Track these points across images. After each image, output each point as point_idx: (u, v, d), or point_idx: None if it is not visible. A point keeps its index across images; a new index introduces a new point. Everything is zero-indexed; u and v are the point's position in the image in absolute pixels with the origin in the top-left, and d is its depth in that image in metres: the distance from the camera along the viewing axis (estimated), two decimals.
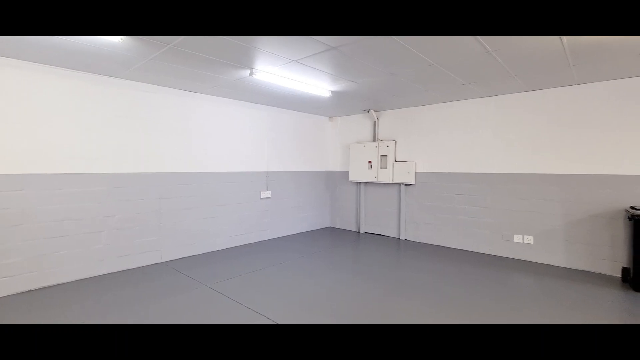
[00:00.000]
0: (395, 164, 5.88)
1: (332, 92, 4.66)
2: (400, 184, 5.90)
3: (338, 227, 7.04)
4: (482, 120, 5.01)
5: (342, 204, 6.94)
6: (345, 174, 6.80)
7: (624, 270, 3.89)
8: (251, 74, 3.67)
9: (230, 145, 5.23)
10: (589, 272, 4.19)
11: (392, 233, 6.13)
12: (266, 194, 5.75)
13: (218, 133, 5.07)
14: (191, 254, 4.83)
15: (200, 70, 3.70)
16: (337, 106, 5.76)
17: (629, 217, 3.67)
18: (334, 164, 7.07)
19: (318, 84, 4.30)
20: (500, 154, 4.87)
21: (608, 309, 3.14)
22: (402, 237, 5.96)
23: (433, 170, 5.56)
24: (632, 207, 3.78)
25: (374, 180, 6.10)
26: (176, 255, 4.66)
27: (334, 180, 7.06)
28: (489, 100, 4.93)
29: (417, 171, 5.72)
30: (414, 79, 4.05)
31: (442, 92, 4.69)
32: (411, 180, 5.71)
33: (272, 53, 3.15)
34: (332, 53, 3.15)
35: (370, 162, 6.14)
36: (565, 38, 2.76)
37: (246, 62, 3.42)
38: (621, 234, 4.00)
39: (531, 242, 4.64)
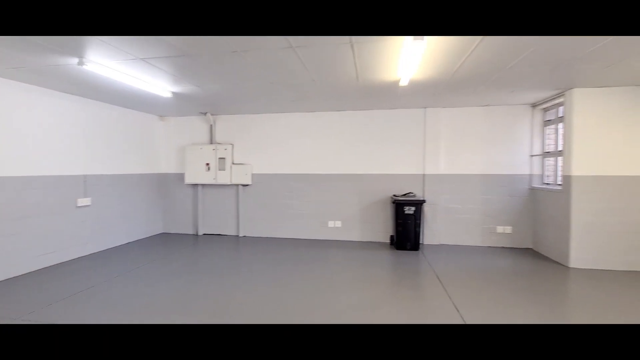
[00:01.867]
0: (234, 166, 6.30)
1: (173, 93, 4.61)
2: (238, 184, 6.36)
3: (173, 232, 6.75)
4: (306, 130, 6.18)
5: (178, 207, 6.71)
6: (180, 176, 6.62)
7: (391, 238, 5.84)
8: (80, 63, 3.25)
9: (36, 143, 4.21)
10: (374, 242, 6.00)
11: (232, 231, 6.51)
12: (84, 201, 4.91)
13: (19, 127, 3.99)
14: None
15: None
16: (173, 106, 5.62)
17: (392, 202, 5.59)
18: (167, 166, 6.72)
19: (159, 84, 4.19)
20: (318, 158, 6.17)
21: (383, 260, 4.75)
22: (241, 234, 6.43)
23: (267, 172, 6.34)
24: (394, 195, 5.74)
25: (213, 181, 6.30)
26: None
27: (168, 183, 6.73)
28: (311, 114, 6.15)
29: (253, 172, 6.35)
30: (257, 92, 4.64)
31: (278, 104, 5.50)
32: (248, 181, 6.29)
33: (116, 47, 2.97)
34: (185, 59, 3.30)
35: (208, 164, 6.29)
36: (360, 79, 4.03)
37: (76, 49, 3.03)
38: (389, 214, 5.97)
39: (340, 225, 6.13)
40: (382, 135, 5.93)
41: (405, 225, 5.38)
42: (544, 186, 5.28)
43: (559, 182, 4.88)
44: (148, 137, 6.34)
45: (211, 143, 6.45)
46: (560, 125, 4.90)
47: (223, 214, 6.53)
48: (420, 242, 5.68)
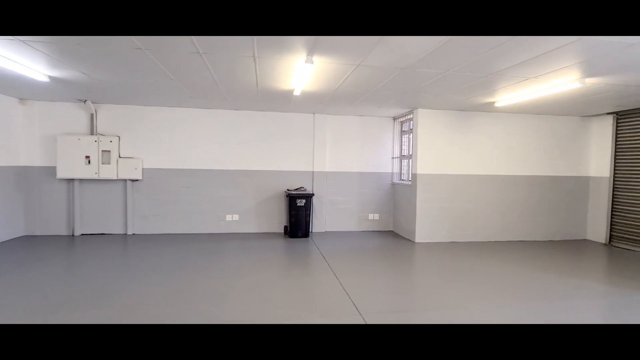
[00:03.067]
0: (120, 159, 5.90)
1: (50, 77, 4.16)
2: (126, 179, 5.99)
3: (39, 233, 5.85)
4: (203, 126, 6.28)
5: (47, 205, 5.85)
6: (50, 169, 5.79)
7: (285, 228, 6.52)
8: None
9: None
10: (269, 232, 6.57)
11: (118, 230, 6.08)
12: None
13: None
14: None
15: None
16: (41, 90, 4.94)
17: (286, 195, 6.27)
18: (29, 158, 5.77)
19: (34, 67, 3.77)
20: (215, 154, 6.35)
21: (279, 246, 5.38)
22: (129, 232, 6.08)
23: (161, 166, 6.17)
24: (287, 189, 6.44)
25: (94, 176, 5.77)
26: None
27: (32, 177, 5.79)
28: (207, 111, 6.28)
29: (144, 167, 6.08)
30: (154, 86, 4.60)
31: (174, 99, 5.47)
32: (138, 175, 6.00)
33: None
34: (77, 47, 3.17)
35: (88, 157, 5.72)
36: (260, 86, 4.52)
37: None
38: (283, 206, 6.63)
39: (237, 219, 6.48)
40: (277, 135, 6.54)
41: (298, 216, 6.13)
42: (401, 182, 6.82)
43: (410, 179, 6.42)
44: (4, 124, 5.35)
45: (92, 134, 5.87)
46: (411, 135, 6.45)
47: (107, 212, 6.03)
48: (310, 230, 6.53)
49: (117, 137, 5.94)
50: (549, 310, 3.21)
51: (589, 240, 6.43)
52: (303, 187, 6.55)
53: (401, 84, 4.29)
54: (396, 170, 7.00)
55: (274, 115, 6.51)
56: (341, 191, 6.82)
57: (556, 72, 3.62)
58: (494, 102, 5.18)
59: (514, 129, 6.21)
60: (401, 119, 6.80)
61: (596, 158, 6.37)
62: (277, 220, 6.62)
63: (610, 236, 6.09)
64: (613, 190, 6.05)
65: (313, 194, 6.25)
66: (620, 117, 5.89)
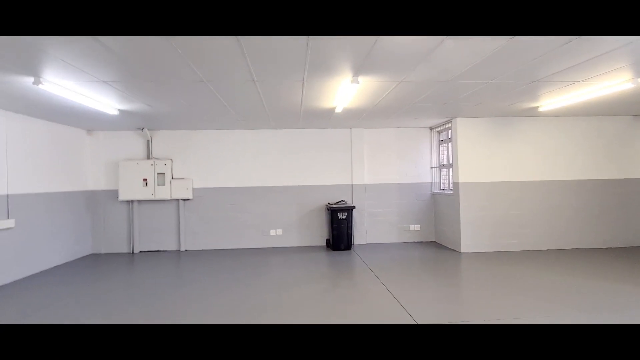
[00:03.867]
0: (173, 180, 6.37)
1: (119, 110, 4.66)
2: (179, 199, 6.44)
3: (104, 251, 6.39)
4: (246, 145, 6.65)
5: (110, 225, 6.40)
6: (112, 193, 6.36)
7: (327, 241, 6.66)
8: (36, 82, 3.25)
9: None
10: (312, 246, 6.73)
11: (172, 247, 6.50)
12: (6, 223, 4.50)
13: None
14: None
15: None
16: (106, 121, 5.50)
17: (327, 209, 6.43)
18: (96, 183, 6.38)
19: (108, 102, 4.26)
20: (258, 172, 6.68)
21: (323, 260, 5.50)
22: (182, 249, 6.48)
23: (208, 185, 6.57)
24: (328, 203, 6.60)
25: (151, 197, 6.25)
26: None
27: (97, 201, 6.38)
28: (250, 132, 6.66)
29: (194, 187, 6.51)
30: (207, 112, 4.99)
31: (219, 122, 5.88)
32: (189, 195, 6.42)
33: (81, 70, 3.12)
34: (148, 84, 3.57)
35: (145, 179, 6.23)
36: (303, 106, 4.77)
37: (33, 69, 3.07)
38: (324, 220, 6.79)
39: (281, 233, 6.71)
40: (316, 151, 6.77)
41: (340, 228, 6.25)
42: (441, 191, 6.77)
43: (451, 188, 6.36)
44: (75, 152, 5.99)
45: (149, 158, 6.40)
46: (450, 144, 6.43)
47: (162, 230, 6.48)
48: (352, 242, 6.61)
49: (170, 160, 6.42)
50: (612, 318, 3.07)
51: None
52: (344, 200, 6.68)
53: (441, 96, 4.37)
54: (435, 180, 6.97)
55: (313, 131, 6.77)
56: (380, 203, 6.88)
57: (606, 74, 3.56)
58: (537, 107, 5.10)
59: (557, 133, 6.03)
60: (438, 129, 6.81)
61: None
62: (319, 234, 6.77)
63: None
64: None
65: (354, 207, 6.36)
66: None
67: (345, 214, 6.25)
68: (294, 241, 6.74)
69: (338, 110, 4.83)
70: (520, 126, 5.99)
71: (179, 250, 6.46)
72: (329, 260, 5.59)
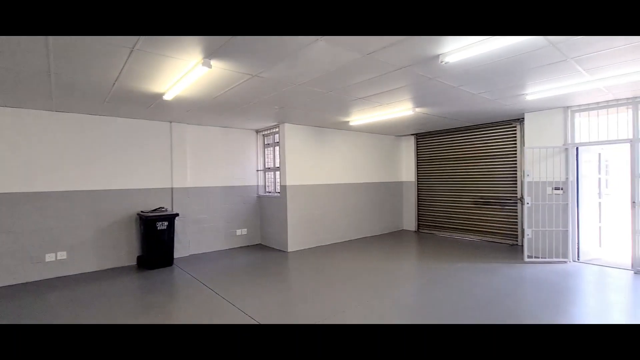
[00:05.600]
0: None
1: None
2: None
3: None
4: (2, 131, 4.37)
5: None
6: None
7: (139, 258, 5.36)
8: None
9: None
10: (118, 267, 5.22)
11: None
12: None
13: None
14: None
15: None
16: None
17: (141, 218, 5.19)
18: None
19: None
20: (27, 170, 4.54)
21: (139, 283, 4.38)
22: None
23: None
24: (142, 211, 5.34)
25: None
26: None
27: None
28: (15, 111, 4.43)
29: None
30: None
31: None
32: None
33: None
34: None
35: None
36: (118, 85, 3.61)
37: None
38: (134, 232, 5.44)
39: (65, 257, 4.82)
40: (123, 146, 5.34)
41: (159, 242, 5.17)
42: (267, 194, 6.91)
43: (278, 190, 6.61)
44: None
45: None
46: (276, 148, 6.68)
47: None
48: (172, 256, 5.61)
49: None
50: (396, 271, 4.09)
51: (404, 229, 8.47)
52: (163, 207, 5.59)
53: (282, 99, 4.42)
54: (261, 182, 7.04)
55: (119, 121, 5.30)
56: (206, 208, 6.24)
57: (399, 102, 4.70)
58: (349, 122, 6.11)
59: (357, 144, 7.48)
60: (264, 132, 6.93)
61: (406, 167, 8.50)
62: (127, 251, 5.35)
63: (418, 225, 8.25)
64: (418, 191, 8.24)
65: (177, 214, 5.43)
66: (419, 137, 8.14)
67: (167, 223, 5.24)
68: (87, 265, 5.00)
69: (168, 97, 3.97)
70: (334, 136, 6.99)
71: None
72: (147, 283, 4.49)
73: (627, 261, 4.85)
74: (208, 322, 3.21)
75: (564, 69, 3.42)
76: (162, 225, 5.19)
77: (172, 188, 5.81)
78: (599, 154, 5.52)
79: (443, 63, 2.97)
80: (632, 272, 4.58)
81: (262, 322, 3.14)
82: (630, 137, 4.65)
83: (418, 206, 8.22)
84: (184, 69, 3.18)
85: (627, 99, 4.61)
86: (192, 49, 2.74)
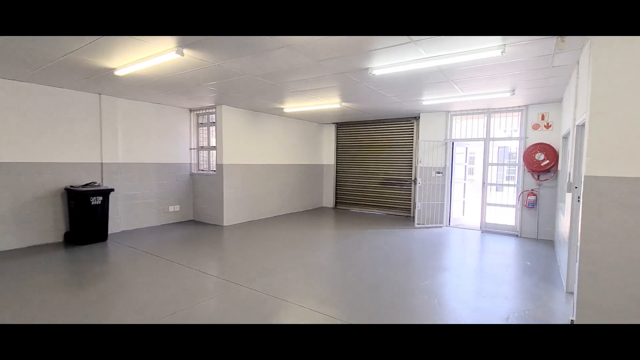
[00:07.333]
0: None
1: None
2: None
3: None
4: None
5: None
6: None
7: (66, 235, 5.19)
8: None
9: None
10: (41, 244, 4.97)
11: None
12: None
13: None
14: None
15: None
16: None
17: (70, 194, 5.04)
18: None
19: None
20: None
21: (70, 261, 4.43)
22: None
23: None
24: (71, 186, 5.15)
25: None
26: None
27: None
28: None
29: None
30: None
31: None
32: None
33: None
34: None
35: None
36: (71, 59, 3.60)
37: None
38: (61, 209, 5.21)
39: None
40: (47, 117, 4.99)
41: (93, 217, 5.10)
42: (201, 172, 7.16)
43: (213, 169, 6.94)
44: None
45: None
46: (211, 128, 6.95)
47: None
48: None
49: None
50: (320, 239, 5.20)
51: (324, 206, 9.69)
52: (96, 182, 5.43)
53: (230, 84, 4.88)
54: (194, 161, 7.23)
55: (43, 89, 4.91)
56: (138, 184, 6.22)
57: (330, 97, 5.64)
58: (283, 108, 6.80)
59: (287, 129, 8.22)
60: (198, 112, 7.09)
61: (326, 151, 9.64)
62: (52, 227, 5.11)
63: (336, 202, 9.55)
64: (336, 173, 9.50)
65: (112, 189, 5.37)
66: (339, 126, 9.33)
67: (101, 198, 5.19)
68: (6, 243, 4.67)
69: (120, 73, 4.05)
70: (268, 120, 7.58)
71: None
72: (85, 255, 4.53)
73: (478, 224, 6.90)
74: (169, 283, 3.67)
75: (446, 87, 4.83)
76: (97, 201, 5.13)
77: (102, 163, 5.65)
78: (466, 148, 7.52)
79: (371, 74, 3.98)
80: (480, 231, 6.60)
81: (220, 277, 3.77)
82: (484, 136, 6.58)
83: (336, 186, 9.50)
84: (153, 51, 3.46)
85: (483, 109, 6.49)
86: (169, 38, 3.10)
